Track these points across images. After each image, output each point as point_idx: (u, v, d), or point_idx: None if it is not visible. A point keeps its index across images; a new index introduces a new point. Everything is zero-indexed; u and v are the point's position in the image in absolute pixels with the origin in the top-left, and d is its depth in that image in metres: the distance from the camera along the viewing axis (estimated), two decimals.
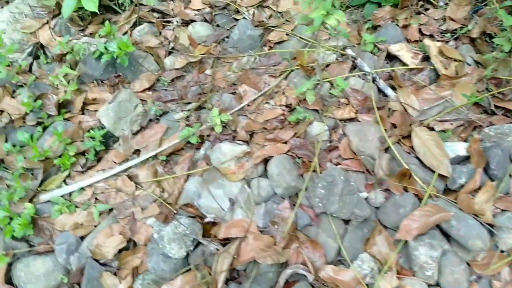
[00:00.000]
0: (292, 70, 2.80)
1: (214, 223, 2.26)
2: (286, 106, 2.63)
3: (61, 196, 2.43)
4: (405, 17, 2.96)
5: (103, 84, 2.86)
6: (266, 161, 2.39)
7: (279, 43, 3.05)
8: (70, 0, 2.79)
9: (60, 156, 2.53)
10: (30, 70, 3.04)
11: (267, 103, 2.67)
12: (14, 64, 2.95)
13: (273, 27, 3.10)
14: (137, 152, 2.58)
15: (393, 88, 2.65)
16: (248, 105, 2.67)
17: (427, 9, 3.04)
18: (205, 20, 3.23)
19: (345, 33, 2.79)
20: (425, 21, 2.94)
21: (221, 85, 2.81)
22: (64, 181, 2.52)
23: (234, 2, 3.27)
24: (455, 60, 2.68)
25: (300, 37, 2.99)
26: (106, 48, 2.69)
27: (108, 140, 2.63)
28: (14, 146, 2.58)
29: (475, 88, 2.49)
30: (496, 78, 2.57)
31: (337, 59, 2.82)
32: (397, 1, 3.01)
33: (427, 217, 2.07)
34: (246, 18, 3.15)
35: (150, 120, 2.69)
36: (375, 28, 3.03)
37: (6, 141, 2.69)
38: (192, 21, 3.22)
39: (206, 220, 2.25)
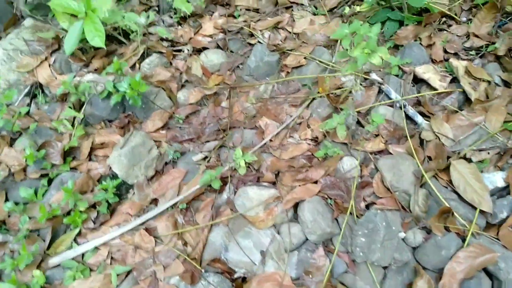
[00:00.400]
0: (314, 98, 2.80)
1: (244, 279, 2.22)
2: (312, 139, 2.62)
3: (73, 259, 2.34)
4: (428, 35, 2.94)
5: (111, 125, 2.83)
6: (296, 203, 2.36)
7: (297, 67, 3.04)
8: (72, 35, 2.76)
9: (69, 213, 2.46)
10: (27, 112, 2.97)
11: (291, 137, 2.66)
12: (11, 107, 2.89)
13: (290, 50, 3.08)
14: (154, 201, 2.54)
15: (422, 115, 2.62)
16: (271, 141, 2.66)
17: (450, 26, 3.04)
18: (218, 47, 3.24)
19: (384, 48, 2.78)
20: (449, 39, 2.93)
21: (239, 119, 2.80)
22: (75, 240, 2.43)
23: (248, 25, 3.26)
24: (483, 81, 2.65)
25: (320, 61, 2.97)
26: (115, 88, 2.64)
27: (121, 188, 2.59)
28: (16, 204, 2.48)
29: (506, 111, 2.49)
30: None
31: (361, 84, 2.79)
32: (420, 19, 2.99)
33: (473, 259, 2.06)
34: (261, 42, 3.14)
35: (166, 163, 2.67)
36: (396, 47, 3.01)
37: (6, 198, 2.58)
38: (204, 48, 3.23)
39: (236, 275, 2.21)
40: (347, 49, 2.22)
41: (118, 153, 2.55)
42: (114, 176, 2.55)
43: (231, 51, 3.22)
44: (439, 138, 2.48)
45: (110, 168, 2.58)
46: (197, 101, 2.91)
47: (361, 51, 2.12)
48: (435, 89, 2.69)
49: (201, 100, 2.93)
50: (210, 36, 3.28)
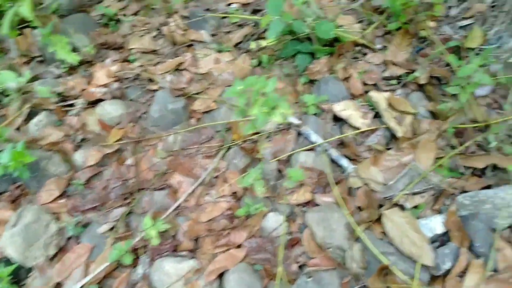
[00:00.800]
0: (229, 147, 2.64)
1: None
2: (231, 195, 2.45)
3: None
4: (343, 67, 2.85)
5: (0, 200, 2.55)
6: (220, 273, 2.18)
7: (207, 112, 2.86)
8: None
9: None
10: None
11: (208, 194, 2.48)
12: None
13: (197, 94, 2.90)
14: (58, 285, 2.28)
15: (348, 158, 2.51)
16: (186, 201, 2.46)
17: (365, 54, 2.96)
18: (115, 97, 2.98)
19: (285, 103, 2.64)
20: (366, 69, 2.84)
21: (149, 177, 2.59)
22: None
23: (145, 70, 3.04)
24: (408, 113, 2.59)
25: (231, 104, 2.80)
26: None
27: (19, 272, 2.31)
28: None
29: (437, 147, 2.43)
30: (455, 127, 2.52)
31: (278, 128, 2.66)
32: (332, 50, 2.90)
33: None
34: (163, 87, 2.93)
35: (69, 238, 2.42)
36: (312, 81, 2.89)
37: None
38: (100, 100, 2.96)
39: None
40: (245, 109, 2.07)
41: (10, 233, 2.28)
42: (9, 261, 2.29)
43: (131, 100, 2.99)
44: (368, 184, 2.38)
45: (4, 251, 2.32)
46: (98, 162, 2.66)
47: (259, 110, 1.98)
48: (358, 128, 2.60)
49: (102, 160, 2.68)
50: (105, 85, 3.01)
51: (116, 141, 2.73)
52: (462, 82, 2.40)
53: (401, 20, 2.86)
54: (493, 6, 2.84)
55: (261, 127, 2.00)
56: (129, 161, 2.67)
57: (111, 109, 2.88)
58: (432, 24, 2.87)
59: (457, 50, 2.78)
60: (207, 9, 3.45)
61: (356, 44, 2.97)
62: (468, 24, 2.88)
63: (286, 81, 2.95)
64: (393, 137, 2.58)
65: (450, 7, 2.94)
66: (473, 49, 2.71)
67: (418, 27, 2.84)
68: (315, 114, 2.70)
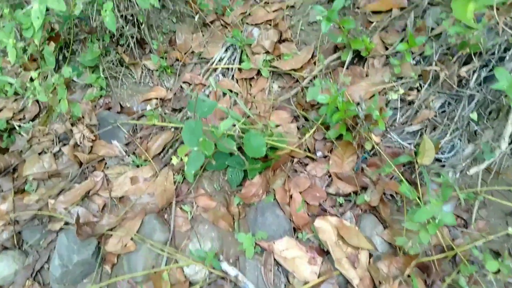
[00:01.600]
0: None
1: None
2: None
3: None
4: (282, 186, 2.11)
5: None
6: None
7: (125, 254, 2.06)
8: None
9: None
10: None
11: None
12: None
13: (111, 230, 2.09)
14: None
15: None
16: None
17: (305, 164, 2.22)
18: (7, 248, 2.13)
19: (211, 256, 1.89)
20: (308, 185, 2.10)
21: None
22: None
23: (46, 204, 2.17)
24: (362, 249, 1.89)
25: (151, 244, 2.01)
26: None
27: None
28: None
29: None
30: (419, 262, 1.85)
31: (209, 278, 1.92)
32: (267, 165, 2.15)
33: None
34: (69, 223, 2.10)
35: None
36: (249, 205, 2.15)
37: None
38: None
39: None
40: None
41: None
42: None
43: (30, 246, 2.14)
44: None
45: None
46: None
47: None
48: (306, 281, 1.86)
49: None
50: None
51: None
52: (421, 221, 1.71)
53: (341, 131, 2.10)
54: (442, 112, 2.13)
55: None
56: None
57: (1, 267, 2.04)
58: (377, 139, 2.10)
59: (409, 165, 2.08)
60: (120, 110, 2.56)
61: (293, 155, 2.21)
62: (417, 130, 2.15)
63: (217, 198, 2.20)
64: (348, 283, 1.86)
65: (395, 109, 2.19)
66: (426, 166, 2.00)
67: (361, 137, 2.09)
68: (256, 253, 1.96)
